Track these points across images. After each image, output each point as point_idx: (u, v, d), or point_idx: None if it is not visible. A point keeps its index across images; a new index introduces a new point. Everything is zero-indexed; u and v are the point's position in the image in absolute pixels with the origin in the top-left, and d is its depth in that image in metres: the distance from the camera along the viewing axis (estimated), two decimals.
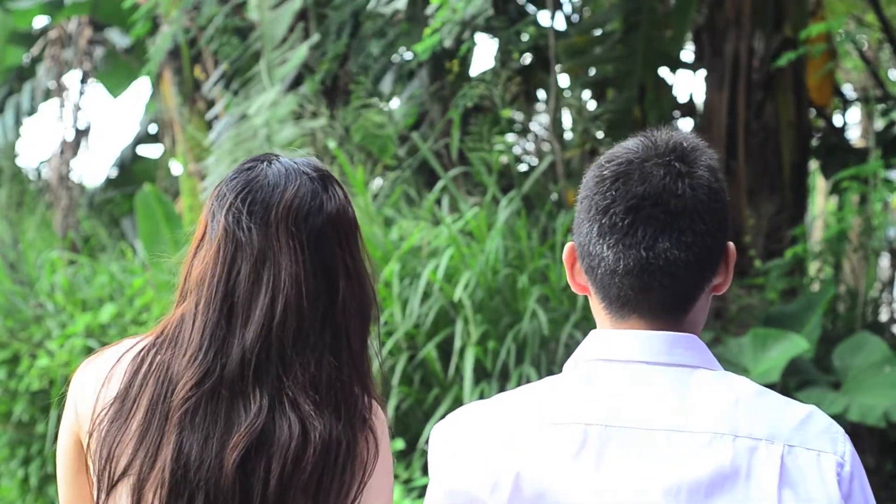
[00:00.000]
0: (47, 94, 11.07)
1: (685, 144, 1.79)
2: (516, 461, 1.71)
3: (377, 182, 7.11)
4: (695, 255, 1.74)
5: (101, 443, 1.87)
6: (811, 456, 1.66)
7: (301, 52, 7.04)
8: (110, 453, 1.86)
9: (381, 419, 1.93)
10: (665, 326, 1.77)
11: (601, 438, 1.69)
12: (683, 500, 1.64)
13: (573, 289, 1.86)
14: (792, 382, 5.94)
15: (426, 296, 5.70)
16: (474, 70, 7.42)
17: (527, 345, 5.53)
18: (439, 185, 6.37)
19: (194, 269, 1.90)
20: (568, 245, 1.85)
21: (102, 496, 1.87)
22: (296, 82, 7.57)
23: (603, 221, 1.75)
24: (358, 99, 7.16)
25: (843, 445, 1.69)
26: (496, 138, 6.95)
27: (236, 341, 1.83)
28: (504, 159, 6.96)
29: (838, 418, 5.63)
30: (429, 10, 6.50)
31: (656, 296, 1.75)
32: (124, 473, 1.84)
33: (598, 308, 1.81)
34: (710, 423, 1.68)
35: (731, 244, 1.81)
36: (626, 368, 1.75)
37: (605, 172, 1.79)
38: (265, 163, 1.94)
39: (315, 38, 7.39)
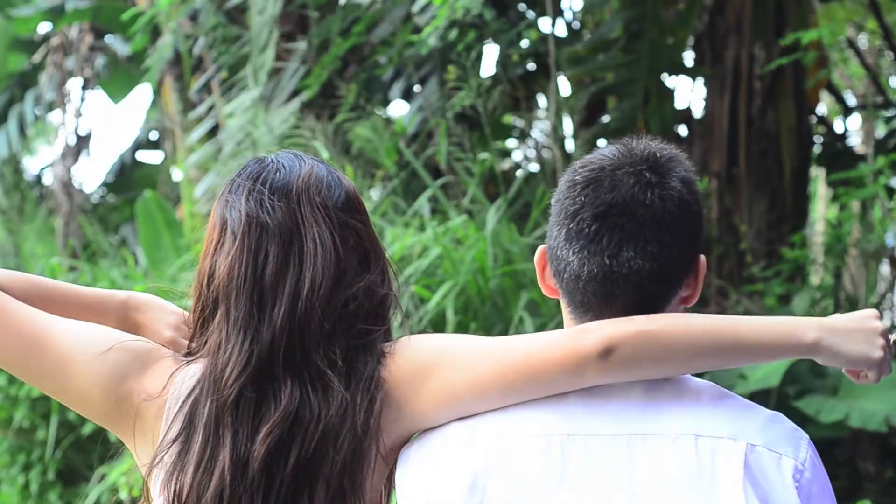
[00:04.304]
0: (50, 106, 11.08)
1: (660, 154, 1.77)
2: (481, 476, 1.70)
3: (376, 191, 7.08)
4: (659, 266, 1.73)
5: (167, 478, 1.80)
6: (773, 458, 1.65)
7: (269, 54, 7.09)
8: (177, 489, 1.79)
9: (398, 353, 1.83)
10: None
11: (564, 448, 1.68)
12: None
13: (544, 291, 1.86)
14: (791, 391, 5.90)
15: (423, 302, 5.69)
16: (484, 75, 7.38)
17: None
18: (426, 193, 6.35)
19: (218, 268, 1.83)
20: (540, 248, 1.85)
21: None
22: (296, 91, 7.57)
23: (570, 226, 1.75)
24: (348, 105, 7.15)
25: (805, 452, 1.68)
26: (498, 144, 6.93)
27: (265, 326, 1.78)
28: (505, 166, 6.94)
29: (839, 425, 5.60)
30: (415, 8, 6.48)
31: (619, 304, 1.74)
32: (188, 497, 1.78)
33: (565, 312, 1.81)
34: (673, 425, 1.67)
35: (702, 257, 1.80)
36: None
37: (577, 178, 1.78)
38: (271, 155, 1.93)
39: (302, 43, 7.41)
